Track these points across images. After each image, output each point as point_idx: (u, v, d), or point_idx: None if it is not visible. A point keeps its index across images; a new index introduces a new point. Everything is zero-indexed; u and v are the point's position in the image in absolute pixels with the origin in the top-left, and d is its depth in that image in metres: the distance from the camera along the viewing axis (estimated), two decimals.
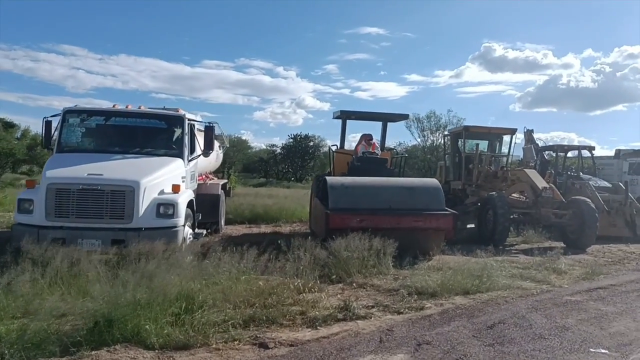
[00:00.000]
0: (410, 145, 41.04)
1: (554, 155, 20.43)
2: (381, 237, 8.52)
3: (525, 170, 13.09)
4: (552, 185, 12.67)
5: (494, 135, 16.32)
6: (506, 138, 16.12)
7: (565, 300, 6.93)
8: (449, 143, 16.94)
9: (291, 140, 41.65)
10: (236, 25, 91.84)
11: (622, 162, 20.73)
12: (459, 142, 15.83)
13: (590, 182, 16.13)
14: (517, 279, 8.13)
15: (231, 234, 12.08)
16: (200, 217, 9.56)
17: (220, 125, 11.87)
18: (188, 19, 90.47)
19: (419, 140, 41.53)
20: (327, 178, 9.92)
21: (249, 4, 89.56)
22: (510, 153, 15.94)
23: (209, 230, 11.13)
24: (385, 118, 12.30)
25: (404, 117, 11.86)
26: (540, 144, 18.16)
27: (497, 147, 16.49)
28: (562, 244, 12.60)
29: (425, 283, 7.05)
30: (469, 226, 14.03)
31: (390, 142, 40.55)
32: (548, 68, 75.74)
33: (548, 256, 9.75)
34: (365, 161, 11.14)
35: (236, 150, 53.17)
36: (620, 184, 15.89)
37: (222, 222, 12.31)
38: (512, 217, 12.85)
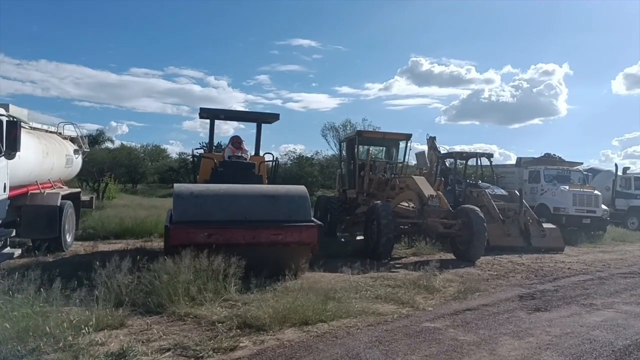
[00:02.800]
0: (329, 155, 40.20)
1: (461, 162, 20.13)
2: (235, 254, 7.26)
3: (414, 177, 12.23)
4: (440, 193, 11.85)
5: (390, 141, 15.54)
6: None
7: (421, 328, 5.85)
8: (344, 150, 15.97)
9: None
10: (166, 33, 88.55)
11: (523, 170, 20.62)
12: (355, 149, 14.89)
13: (487, 190, 15.65)
14: (379, 302, 7.05)
15: (78, 252, 10.33)
16: (18, 233, 7.83)
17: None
18: (115, 25, 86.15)
19: (335, 149, 40.83)
20: (175, 186, 8.48)
21: (179, 12, 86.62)
22: (405, 160, 15.17)
23: (45, 249, 9.40)
24: (256, 118, 11.03)
25: (275, 117, 10.63)
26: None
27: (394, 153, 15.70)
28: (453, 256, 11.84)
29: (258, 312, 5.74)
30: (358, 238, 13.02)
31: (309, 151, 39.59)
32: (471, 83, 78.66)
33: (427, 271, 8.80)
34: (230, 166, 9.79)
35: (153, 160, 50.36)
36: (517, 192, 15.47)
37: (69, 238, 10.54)
38: (401, 227, 11.95)
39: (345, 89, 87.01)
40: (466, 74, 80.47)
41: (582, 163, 22.02)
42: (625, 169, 25.19)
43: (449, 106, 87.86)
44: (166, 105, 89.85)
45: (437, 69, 77.86)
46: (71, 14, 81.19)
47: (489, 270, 10.38)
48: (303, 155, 36.22)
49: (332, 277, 8.57)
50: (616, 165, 24.05)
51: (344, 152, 16.06)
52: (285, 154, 38.04)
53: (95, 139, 57.46)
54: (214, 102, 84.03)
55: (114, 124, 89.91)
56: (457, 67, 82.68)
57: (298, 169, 33.34)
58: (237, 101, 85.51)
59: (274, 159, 10.97)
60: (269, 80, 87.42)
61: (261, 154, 11.19)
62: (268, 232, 8.08)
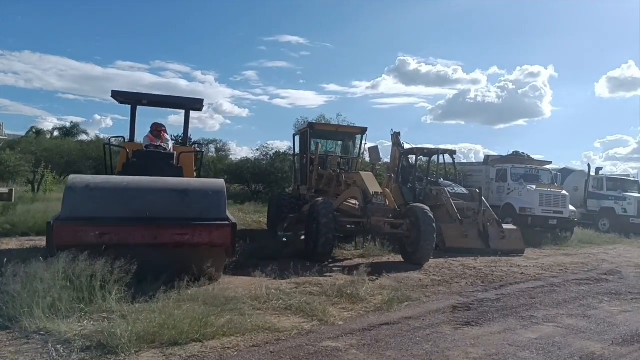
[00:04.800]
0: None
1: (424, 159, 19.31)
2: (133, 256, 6.32)
3: (361, 173, 11.32)
4: (387, 191, 10.96)
5: (345, 134, 14.67)
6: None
7: (317, 349, 4.93)
8: (297, 143, 15.02)
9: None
10: (152, 26, 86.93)
11: (490, 168, 19.86)
12: (307, 142, 13.94)
13: (447, 189, 14.83)
14: (287, 314, 6.12)
15: None
16: None
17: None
18: (101, 18, 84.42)
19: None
20: (70, 177, 7.45)
21: (167, 6, 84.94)
22: (361, 154, 14.28)
23: None
24: (182, 104, 10.00)
25: (199, 102, 9.63)
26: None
27: (352, 148, 14.80)
28: (402, 259, 10.97)
29: (118, 330, 4.77)
30: (302, 237, 12.08)
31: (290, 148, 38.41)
32: (458, 83, 78.54)
33: (356, 276, 7.94)
34: (144, 157, 8.77)
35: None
36: (477, 190, 14.66)
37: None
38: (347, 227, 11.05)
39: (332, 87, 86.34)
40: (453, 74, 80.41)
41: (551, 162, 21.36)
42: (597, 170, 24.66)
43: (435, 106, 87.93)
44: None
45: (424, 68, 77.64)
46: (57, 4, 79.24)
47: (433, 275, 9.50)
48: (279, 152, 35.17)
49: (251, 282, 7.64)
50: (589, 165, 23.51)
51: (297, 146, 15.10)
52: (257, 149, 36.98)
53: (68, 131, 55.87)
54: (201, 96, 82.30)
55: (97, 117, 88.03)
56: (444, 67, 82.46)
57: (268, 165, 32.30)
58: (223, 96, 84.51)
59: (200, 149, 9.93)
60: (256, 76, 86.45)
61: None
62: (172, 232, 7.11)
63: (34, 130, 53.94)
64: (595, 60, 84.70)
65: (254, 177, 32.15)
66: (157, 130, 9.30)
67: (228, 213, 7.86)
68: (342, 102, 79.40)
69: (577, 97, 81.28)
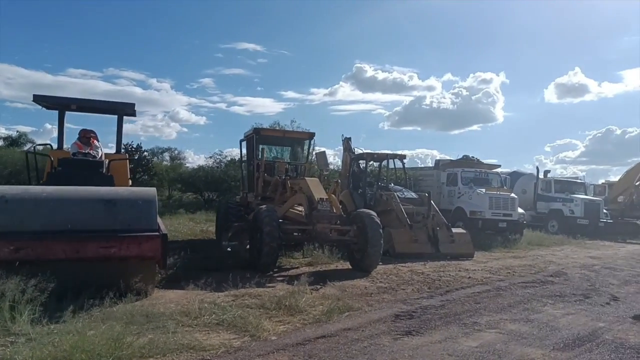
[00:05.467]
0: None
1: (375, 165, 19.20)
2: (54, 273, 5.84)
3: (307, 179, 11.00)
4: (333, 197, 10.69)
5: (292, 140, 14.37)
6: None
7: None
8: (244, 149, 14.60)
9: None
10: (106, 33, 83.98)
11: (440, 172, 19.96)
12: (253, 148, 13.56)
13: (397, 194, 14.72)
14: (218, 330, 5.74)
15: None
16: None
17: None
18: (51, 24, 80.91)
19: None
20: None
21: (120, 12, 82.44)
22: (310, 160, 13.99)
23: None
24: (111, 109, 9.46)
25: (130, 106, 9.11)
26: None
27: (300, 154, 14.51)
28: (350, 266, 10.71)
29: (19, 356, 4.29)
30: (248, 247, 11.68)
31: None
32: (414, 89, 79.47)
33: (298, 286, 7.63)
34: (70, 165, 8.23)
35: None
36: (427, 194, 14.61)
37: None
38: (294, 234, 10.72)
39: (290, 94, 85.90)
40: (409, 80, 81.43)
41: (500, 166, 21.69)
42: (546, 172, 25.20)
43: (392, 112, 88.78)
44: None
45: (380, 75, 78.21)
46: (3, 10, 75.91)
47: (380, 282, 9.28)
48: (234, 159, 34.55)
49: (185, 296, 7.19)
50: (537, 168, 24.05)
51: (244, 152, 14.68)
52: (210, 157, 36.28)
53: (14, 141, 53.57)
54: (156, 104, 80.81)
55: (49, 126, 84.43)
56: (400, 74, 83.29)
57: (221, 173, 31.67)
58: (180, 104, 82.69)
59: (133, 156, 9.39)
60: (213, 84, 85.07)
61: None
62: (96, 245, 6.61)
63: None
64: (544, 67, 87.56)
65: (207, 186, 31.53)
66: (86, 136, 8.76)
67: (160, 223, 7.42)
68: (301, 109, 79.19)
69: (528, 102, 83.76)
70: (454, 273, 10.60)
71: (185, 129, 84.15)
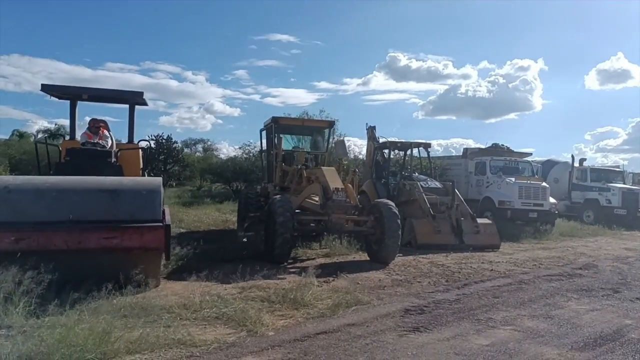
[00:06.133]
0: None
1: (400, 153, 18.73)
2: (55, 264, 5.76)
3: (323, 168, 10.72)
4: (350, 186, 10.37)
5: (312, 129, 14.04)
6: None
7: None
8: (264, 139, 14.40)
9: (152, 141, 37.54)
10: (142, 27, 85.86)
11: (468, 161, 19.35)
12: (273, 137, 13.34)
13: (420, 183, 14.30)
14: (216, 324, 5.56)
15: None
16: None
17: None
18: (90, 20, 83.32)
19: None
20: None
21: (156, 6, 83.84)
22: (328, 149, 13.68)
23: None
24: (122, 98, 9.36)
25: (139, 94, 8.97)
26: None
27: (322, 143, 14.20)
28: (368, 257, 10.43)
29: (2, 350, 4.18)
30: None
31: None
32: (448, 78, 78.29)
33: (306, 277, 7.42)
34: (79, 155, 8.15)
35: None
36: (450, 183, 14.13)
37: None
38: (311, 225, 10.49)
39: (323, 84, 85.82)
40: (443, 69, 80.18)
41: (531, 154, 20.89)
42: (581, 161, 24.23)
43: (426, 101, 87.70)
44: None
45: (414, 64, 77.31)
46: (45, 7, 78.01)
47: (396, 274, 8.96)
48: (262, 149, 34.54)
49: (191, 288, 7.04)
50: (572, 156, 23.07)
51: (264, 142, 14.48)
52: (240, 147, 36.41)
53: (53, 134, 55.05)
54: (192, 97, 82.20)
55: (87, 119, 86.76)
56: (435, 62, 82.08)
57: (249, 164, 31.69)
58: (215, 96, 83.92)
59: (148, 146, 9.28)
60: (247, 75, 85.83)
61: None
62: (98, 236, 6.50)
63: (17, 134, 53.17)
64: (585, 52, 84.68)
65: (235, 176, 31.61)
66: (95, 126, 8.69)
67: (167, 213, 7.29)
68: (334, 100, 79.02)
69: (567, 89, 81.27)
70: (476, 265, 10.18)
71: (220, 121, 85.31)
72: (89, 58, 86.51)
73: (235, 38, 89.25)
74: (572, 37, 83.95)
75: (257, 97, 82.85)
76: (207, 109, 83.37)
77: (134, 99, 9.06)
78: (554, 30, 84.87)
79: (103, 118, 8.96)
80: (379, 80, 79.91)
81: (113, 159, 8.29)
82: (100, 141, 8.56)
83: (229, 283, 7.50)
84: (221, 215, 18.77)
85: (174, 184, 39.18)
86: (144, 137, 38.92)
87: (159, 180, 7.41)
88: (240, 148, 35.46)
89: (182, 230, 14.35)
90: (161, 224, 6.77)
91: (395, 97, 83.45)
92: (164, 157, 37.79)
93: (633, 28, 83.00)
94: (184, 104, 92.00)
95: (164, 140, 38.24)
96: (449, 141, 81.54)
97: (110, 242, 6.53)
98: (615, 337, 5.65)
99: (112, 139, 8.97)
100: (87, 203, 6.70)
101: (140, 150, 9.07)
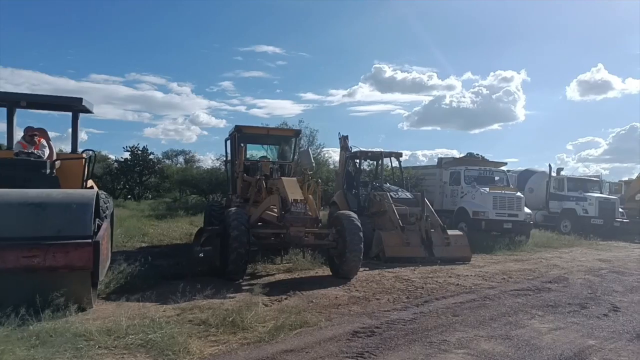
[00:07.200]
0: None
1: (375, 163, 18.32)
2: None
3: (283, 178, 10.23)
4: (311, 198, 9.87)
5: (278, 138, 13.59)
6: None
7: None
8: (228, 149, 13.87)
9: (127, 153, 36.79)
10: (127, 38, 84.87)
11: (443, 171, 18.99)
12: (236, 147, 12.83)
13: (390, 194, 13.88)
14: (133, 353, 5.00)
15: None
16: None
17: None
18: (75, 31, 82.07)
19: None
20: None
21: (141, 17, 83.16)
22: (295, 159, 13.21)
23: None
24: (62, 105, 8.78)
25: (78, 101, 8.40)
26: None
27: (289, 152, 13.73)
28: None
29: None
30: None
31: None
32: (433, 89, 78.53)
33: (253, 295, 6.90)
34: (10, 166, 7.56)
35: None
36: (421, 193, 13.71)
37: None
38: (271, 239, 9.96)
39: (309, 95, 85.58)
40: (428, 80, 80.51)
41: (506, 163, 20.58)
42: (559, 170, 24.07)
43: (411, 112, 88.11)
44: (127, 112, 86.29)
45: (399, 75, 77.51)
46: (28, 17, 76.79)
47: (356, 291, 8.47)
48: (228, 160, 34.00)
49: (124, 310, 6.44)
50: (550, 166, 22.84)
51: (229, 152, 13.95)
52: (217, 158, 35.86)
53: None
54: (177, 108, 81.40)
55: (70, 131, 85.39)
56: (419, 73, 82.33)
57: (225, 175, 31.12)
58: (200, 107, 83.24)
59: (90, 156, 8.67)
60: (232, 87, 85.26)
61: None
62: (17, 254, 5.90)
63: None
64: (566, 64, 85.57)
65: (212, 188, 31.01)
66: (30, 135, 8.12)
67: (105, 229, 6.76)
68: (319, 111, 78.76)
69: (550, 100, 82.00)
70: (442, 280, 9.73)
71: (205, 132, 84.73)
72: (73, 69, 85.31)
73: (221, 49, 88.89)
74: (553, 48, 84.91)
75: (242, 108, 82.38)
76: (193, 120, 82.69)
77: (74, 105, 8.50)
78: (536, 41, 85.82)
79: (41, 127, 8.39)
80: (364, 91, 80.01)
81: (48, 170, 7.71)
82: (35, 151, 7.98)
83: (170, 304, 6.94)
84: (192, 228, 18.09)
85: (150, 196, 38.42)
86: (124, 148, 38.05)
87: (92, 192, 6.86)
88: (218, 159, 34.95)
89: (142, 245, 13.77)
90: (90, 240, 6.20)
91: (380, 108, 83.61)
92: (139, 168, 37.10)
93: (613, 40, 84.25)
94: (169, 116, 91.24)
95: (139, 152, 37.54)
96: (434, 151, 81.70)
97: (31, 262, 5.94)
98: None
99: (50, 149, 8.40)
100: (7, 218, 6.13)
101: (83, 160, 8.48)
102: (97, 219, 7.13)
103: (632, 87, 75.87)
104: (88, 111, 8.88)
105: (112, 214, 9.64)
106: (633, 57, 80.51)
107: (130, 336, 5.36)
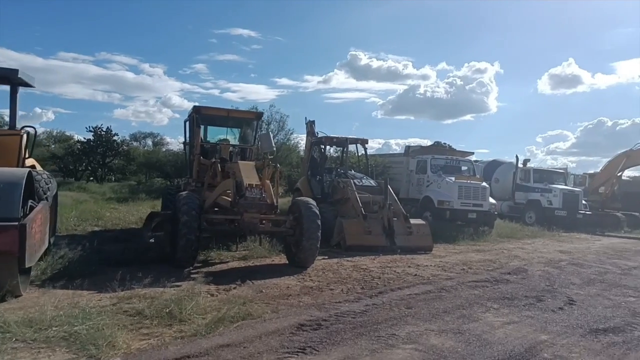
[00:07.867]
0: None
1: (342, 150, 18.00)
2: None
3: (240, 162, 9.82)
4: (268, 183, 9.48)
5: (239, 120, 13.08)
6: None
7: None
8: (187, 131, 13.32)
9: (91, 134, 35.69)
10: (98, 16, 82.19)
11: (410, 159, 18.80)
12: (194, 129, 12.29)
13: (354, 181, 13.58)
14: (53, 347, 4.58)
15: None
16: None
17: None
18: (42, 6, 78.77)
19: None
20: None
21: None
22: (256, 143, 12.76)
23: None
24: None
25: (14, 72, 7.77)
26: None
27: (250, 135, 13.26)
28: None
29: None
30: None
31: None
32: (408, 78, 78.60)
33: (194, 285, 6.52)
34: None
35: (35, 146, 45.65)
36: (384, 181, 13.46)
37: None
38: (225, 226, 9.54)
39: (284, 81, 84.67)
40: (403, 69, 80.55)
41: (473, 153, 20.57)
42: (525, 161, 24.15)
43: (385, 101, 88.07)
44: (96, 92, 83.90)
45: (375, 63, 77.29)
46: None
47: (310, 280, 8.17)
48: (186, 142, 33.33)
49: (54, 299, 5.97)
50: (517, 157, 22.89)
51: (187, 134, 13.40)
52: (184, 142, 35.11)
53: None
54: (149, 89, 79.43)
55: (38, 110, 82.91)
56: (395, 62, 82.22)
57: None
58: (172, 90, 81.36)
59: (27, 132, 8.07)
60: (206, 70, 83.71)
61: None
62: None
63: None
64: (538, 57, 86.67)
65: (177, 171, 30.35)
66: None
67: (39, 210, 6.27)
68: (294, 96, 78.09)
69: (521, 93, 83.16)
70: (400, 270, 9.50)
71: (177, 115, 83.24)
72: (40, 46, 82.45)
73: (195, 31, 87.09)
74: (526, 41, 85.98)
75: (216, 91, 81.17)
76: (164, 102, 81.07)
77: (12, 78, 7.87)
78: (511, 34, 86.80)
79: None
80: (339, 78, 79.68)
81: None
82: None
83: (107, 292, 6.50)
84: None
85: (113, 178, 37.48)
86: (87, 128, 36.93)
87: (23, 171, 6.34)
88: (184, 142, 34.19)
89: (95, 229, 13.21)
90: (15, 223, 5.70)
91: (355, 95, 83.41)
92: (102, 149, 36.11)
93: (584, 35, 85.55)
94: (140, 97, 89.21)
95: (103, 133, 36.50)
96: (407, 140, 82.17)
97: None
98: (525, 358, 4.98)
99: None
100: None
101: (20, 137, 7.88)
102: (30, 201, 6.63)
103: (601, 82, 77.52)
104: (27, 84, 8.25)
105: (55, 196, 9.10)
106: (603, 52, 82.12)
107: (54, 328, 4.93)
